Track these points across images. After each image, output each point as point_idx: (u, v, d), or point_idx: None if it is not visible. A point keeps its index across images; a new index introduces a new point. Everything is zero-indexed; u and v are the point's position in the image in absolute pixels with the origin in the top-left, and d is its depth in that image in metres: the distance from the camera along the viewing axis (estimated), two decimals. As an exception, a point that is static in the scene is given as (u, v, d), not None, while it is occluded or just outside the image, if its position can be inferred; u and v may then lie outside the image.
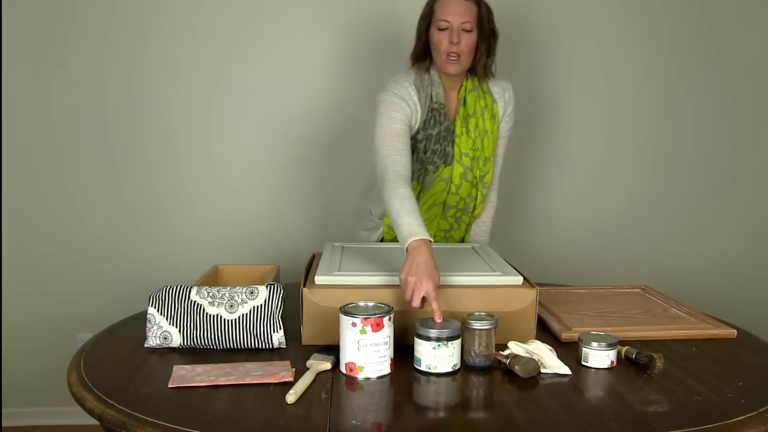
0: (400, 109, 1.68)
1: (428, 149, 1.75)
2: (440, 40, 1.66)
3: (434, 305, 1.26)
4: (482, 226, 1.92)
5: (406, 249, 1.36)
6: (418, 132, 1.73)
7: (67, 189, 2.41)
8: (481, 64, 1.73)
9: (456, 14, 1.63)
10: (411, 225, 1.41)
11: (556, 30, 2.45)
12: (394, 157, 1.59)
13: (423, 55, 1.73)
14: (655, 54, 2.49)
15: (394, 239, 1.87)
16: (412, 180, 1.74)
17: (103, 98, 2.37)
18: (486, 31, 1.69)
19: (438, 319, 1.26)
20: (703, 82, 2.52)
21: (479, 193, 1.82)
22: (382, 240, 1.90)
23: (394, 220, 1.46)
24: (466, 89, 1.76)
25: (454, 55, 1.65)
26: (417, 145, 1.75)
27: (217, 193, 2.46)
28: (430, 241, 1.37)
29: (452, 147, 1.76)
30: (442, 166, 1.76)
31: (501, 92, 1.81)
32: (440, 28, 1.65)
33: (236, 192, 2.46)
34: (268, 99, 2.41)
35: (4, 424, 2.50)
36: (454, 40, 1.63)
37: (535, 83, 2.46)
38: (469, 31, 1.65)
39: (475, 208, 1.85)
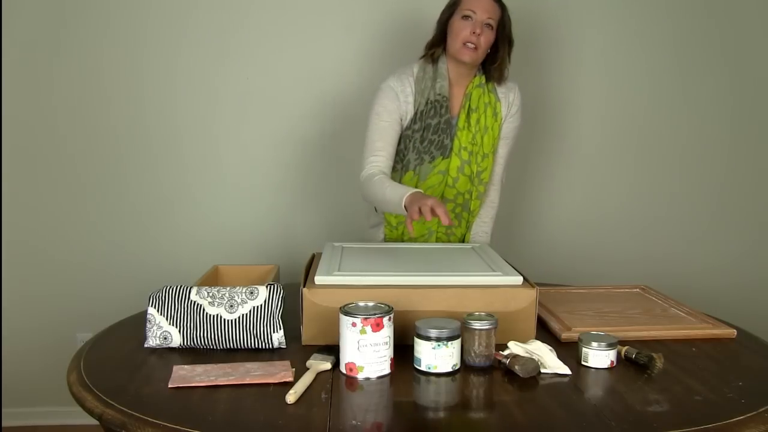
0: (390, 103, 1.74)
1: (425, 139, 1.77)
2: (462, 28, 1.69)
3: (440, 210, 1.37)
4: (483, 226, 1.92)
5: (405, 207, 1.48)
6: (414, 122, 1.76)
7: (66, 189, 2.41)
8: (497, 68, 1.78)
9: (482, 8, 1.69)
10: (396, 190, 1.55)
11: (557, 30, 2.45)
12: (371, 158, 1.73)
13: (438, 42, 1.77)
14: (656, 56, 2.49)
15: (395, 239, 1.88)
16: (409, 170, 1.79)
17: (103, 98, 2.37)
18: (506, 36, 1.76)
19: (446, 222, 1.37)
20: (705, 84, 2.52)
21: (476, 188, 1.83)
22: (384, 238, 1.91)
23: (382, 198, 1.60)
24: (473, 85, 1.79)
25: (472, 44, 1.69)
26: (413, 135, 1.77)
27: (217, 193, 2.46)
28: (420, 192, 1.48)
29: (452, 140, 1.78)
30: (440, 158, 1.78)
31: (505, 92, 1.83)
32: (464, 16, 1.69)
33: (236, 192, 2.46)
34: (269, 99, 2.41)
35: (4, 424, 2.50)
36: (477, 31, 1.68)
37: (535, 83, 2.45)
38: (490, 28, 1.71)
39: (472, 203, 1.85)
